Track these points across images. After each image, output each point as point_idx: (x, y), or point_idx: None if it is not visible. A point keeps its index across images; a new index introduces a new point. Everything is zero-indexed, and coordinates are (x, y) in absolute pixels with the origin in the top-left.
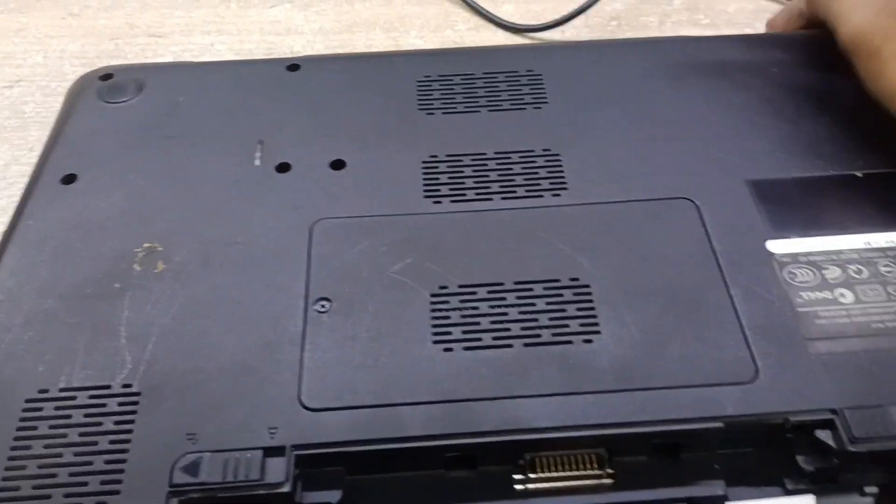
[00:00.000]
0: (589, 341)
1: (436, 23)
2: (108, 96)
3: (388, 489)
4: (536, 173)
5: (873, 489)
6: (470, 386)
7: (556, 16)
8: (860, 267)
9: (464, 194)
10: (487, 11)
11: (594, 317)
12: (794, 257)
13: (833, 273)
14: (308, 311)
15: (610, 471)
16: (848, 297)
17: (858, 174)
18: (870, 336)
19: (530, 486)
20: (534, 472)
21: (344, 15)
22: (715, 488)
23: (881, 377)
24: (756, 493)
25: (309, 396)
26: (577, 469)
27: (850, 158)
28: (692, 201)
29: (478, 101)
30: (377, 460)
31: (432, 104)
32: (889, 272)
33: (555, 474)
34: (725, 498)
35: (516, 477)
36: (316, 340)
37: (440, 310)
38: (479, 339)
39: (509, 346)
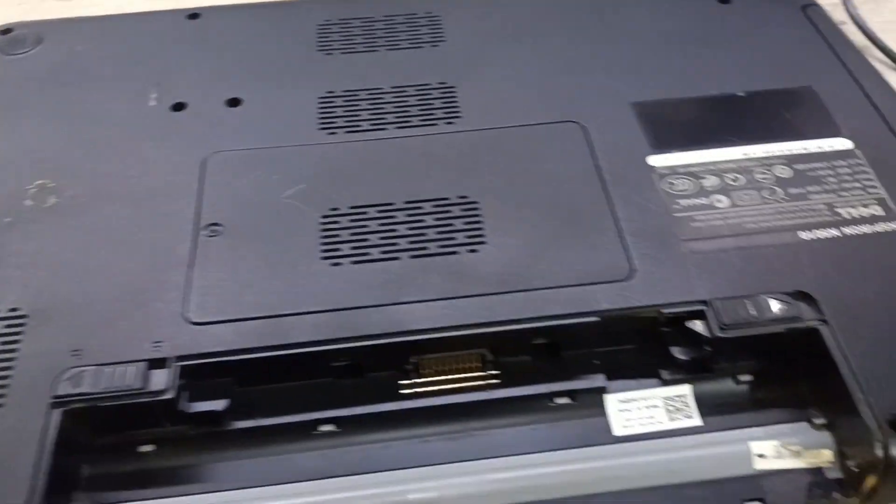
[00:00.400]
0: (474, 251)
1: None
2: (8, 49)
3: (278, 398)
4: (431, 104)
5: (747, 377)
6: (356, 296)
7: None
8: (737, 175)
9: (359, 125)
10: None
11: (480, 229)
12: (674, 169)
13: (711, 181)
14: (198, 236)
15: (495, 371)
16: (724, 201)
17: (741, 93)
18: (742, 235)
19: (418, 389)
20: (420, 376)
21: None
22: (594, 381)
23: (751, 270)
24: (634, 384)
25: (195, 312)
26: (462, 372)
27: (734, 80)
28: (579, 124)
29: (376, 42)
30: (263, 369)
31: (332, 45)
32: (764, 178)
33: (440, 378)
34: (604, 389)
35: (403, 382)
36: (205, 262)
37: (330, 229)
38: (367, 254)
39: (396, 258)
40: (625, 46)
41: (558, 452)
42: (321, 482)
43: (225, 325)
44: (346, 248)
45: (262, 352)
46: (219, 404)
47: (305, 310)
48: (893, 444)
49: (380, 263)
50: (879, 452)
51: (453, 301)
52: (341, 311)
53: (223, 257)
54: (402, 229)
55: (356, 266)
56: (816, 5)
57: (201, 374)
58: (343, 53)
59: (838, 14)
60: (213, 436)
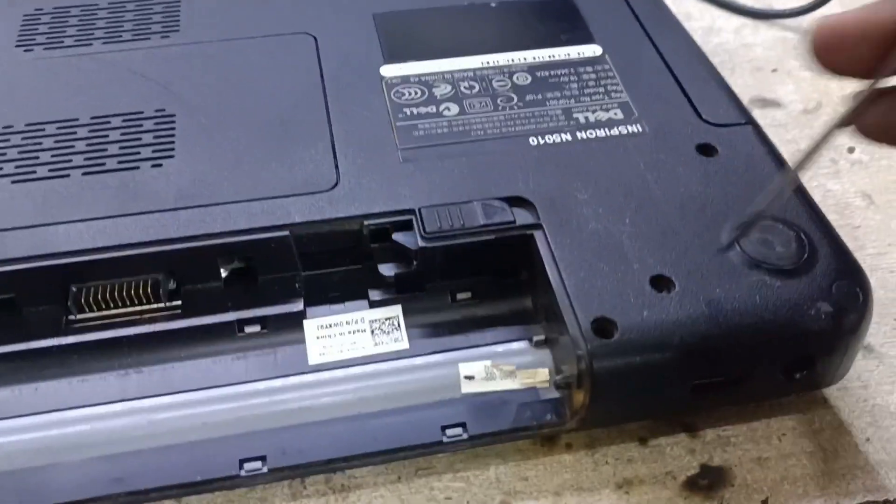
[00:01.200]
0: (158, 165)
1: None
2: None
3: None
4: (149, 18)
5: (465, 294)
6: (8, 216)
7: None
8: (473, 84)
9: (62, 42)
10: None
11: (171, 144)
12: (406, 78)
13: (443, 90)
14: None
15: (175, 302)
16: (453, 109)
17: (492, 4)
18: (466, 142)
19: (82, 325)
20: (83, 311)
21: None
22: (293, 305)
23: (469, 178)
24: (339, 309)
25: None
26: (137, 304)
27: None
28: (312, 35)
29: None
30: None
31: None
32: (501, 86)
33: (110, 313)
34: (303, 315)
35: (67, 318)
36: None
37: None
38: (32, 172)
39: (66, 176)
40: None
41: (230, 387)
42: None
43: None
44: (9, 168)
45: None
46: None
47: None
48: (596, 353)
49: (45, 182)
50: (583, 365)
51: (122, 219)
52: None
53: None
54: (80, 146)
55: (14, 185)
56: None
57: None
58: None
59: None
60: None
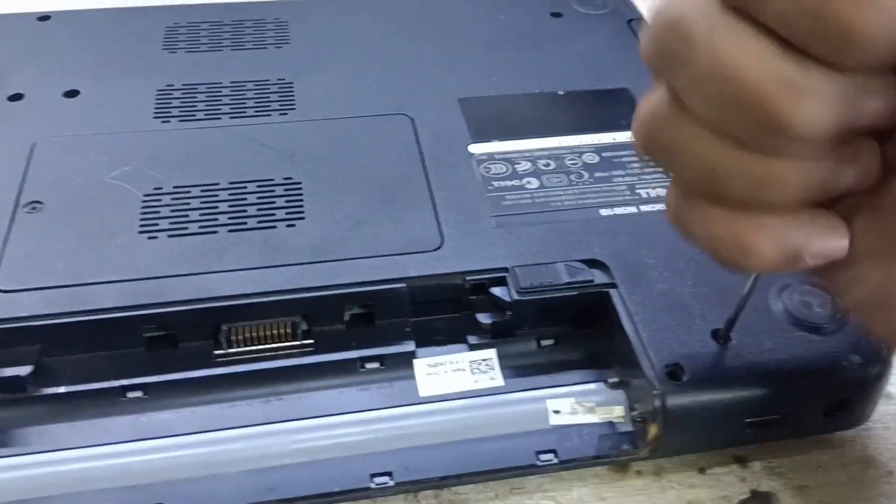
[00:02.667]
0: (292, 226)
1: None
2: None
3: (87, 367)
4: (268, 97)
5: (549, 341)
6: (168, 266)
7: None
8: (549, 161)
9: (194, 115)
10: None
11: (301, 208)
12: (491, 156)
13: (524, 166)
14: (17, 212)
15: (308, 341)
16: (534, 183)
17: (560, 92)
18: (547, 212)
19: (230, 358)
20: (231, 346)
21: None
22: (404, 347)
23: (552, 242)
24: (443, 350)
25: (4, 280)
26: (276, 341)
27: (556, 81)
28: (408, 116)
29: (222, 43)
30: (69, 335)
31: (177, 45)
32: (573, 164)
33: (253, 348)
34: (413, 354)
35: (217, 352)
36: (20, 236)
37: (151, 207)
38: (185, 229)
39: (214, 232)
40: (457, 49)
41: (355, 414)
42: (129, 445)
43: (31, 293)
44: (164, 224)
45: (68, 317)
46: (23, 370)
47: (115, 279)
48: (668, 393)
49: (197, 237)
50: (658, 402)
51: (266, 270)
52: (151, 280)
53: (40, 231)
54: (223, 207)
55: (172, 239)
56: (641, 19)
57: (5, 340)
58: (188, 52)
59: None
60: (18, 402)
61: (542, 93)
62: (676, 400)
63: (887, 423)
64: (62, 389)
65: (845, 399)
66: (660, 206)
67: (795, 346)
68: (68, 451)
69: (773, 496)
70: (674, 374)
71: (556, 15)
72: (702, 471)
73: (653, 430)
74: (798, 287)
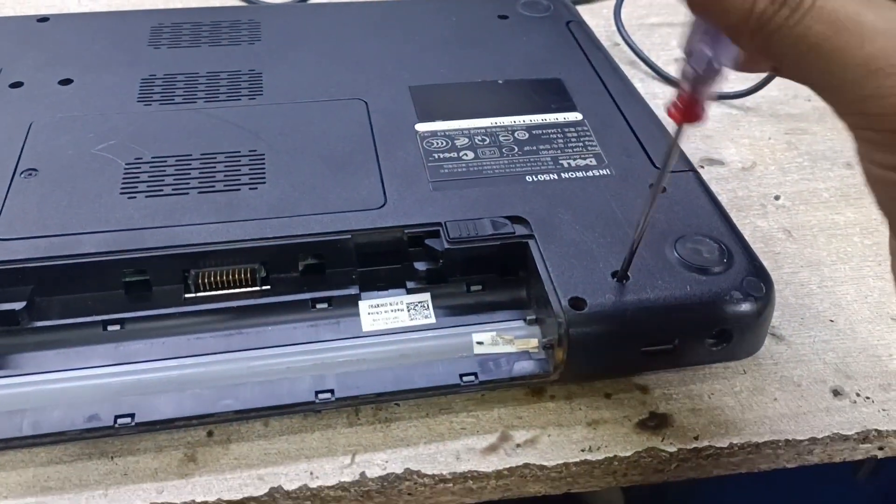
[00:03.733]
0: (254, 188)
1: (197, 4)
2: None
3: (74, 306)
4: (239, 85)
5: (478, 287)
6: (144, 220)
7: None
8: (484, 137)
9: (172, 100)
10: None
11: (263, 175)
12: (434, 133)
13: (462, 141)
14: (14, 178)
15: (266, 287)
16: (469, 155)
17: (499, 81)
18: (479, 178)
19: (198, 298)
20: (199, 290)
21: (114, 0)
22: (350, 290)
23: (482, 203)
24: (385, 294)
25: (2, 231)
26: (238, 286)
27: (497, 72)
28: (363, 101)
29: (201, 39)
30: (57, 275)
31: (160, 42)
32: (505, 139)
33: (218, 293)
34: (359, 297)
35: (187, 295)
36: (17, 196)
37: (131, 173)
38: (160, 191)
39: (186, 193)
40: (411, 46)
41: (306, 345)
42: (107, 368)
43: (25, 241)
44: (142, 187)
45: (55, 260)
46: (17, 305)
47: (98, 230)
48: (571, 321)
49: (171, 197)
50: (562, 330)
51: (230, 224)
52: (129, 231)
53: (34, 193)
54: (195, 174)
55: (149, 199)
56: (578, 21)
57: (2, 280)
58: (170, 48)
59: (616, 38)
60: (12, 333)
61: (483, 81)
62: (578, 327)
63: (776, 359)
64: (51, 322)
65: (728, 330)
66: (579, 174)
67: (684, 284)
68: (55, 372)
69: (668, 416)
70: (576, 305)
71: (503, 17)
72: (608, 396)
73: (559, 355)
74: (691, 237)
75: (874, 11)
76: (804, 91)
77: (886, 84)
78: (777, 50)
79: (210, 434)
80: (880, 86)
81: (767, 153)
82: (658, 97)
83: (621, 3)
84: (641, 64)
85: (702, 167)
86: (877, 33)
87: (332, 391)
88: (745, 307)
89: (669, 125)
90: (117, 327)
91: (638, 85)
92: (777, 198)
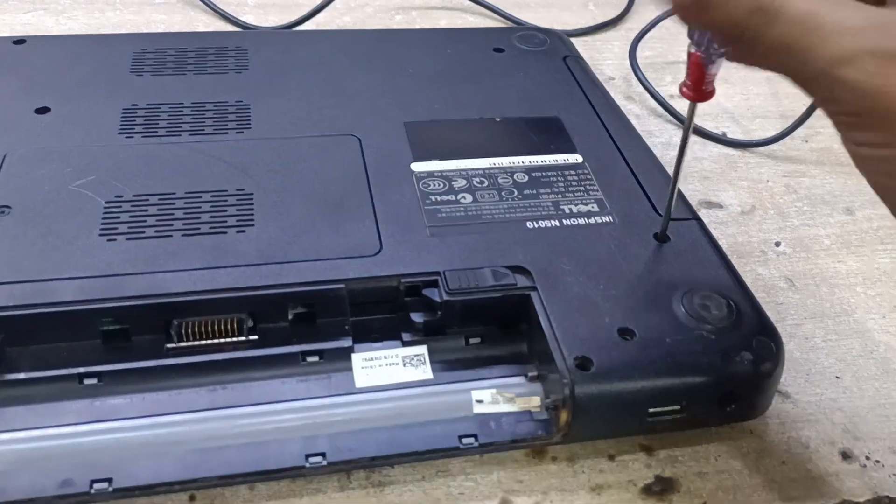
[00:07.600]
0: (242, 231)
1: (180, 28)
2: None
3: (48, 357)
4: (226, 117)
5: (476, 339)
6: (124, 265)
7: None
8: (483, 179)
9: (156, 132)
10: (230, 15)
11: (251, 216)
12: (431, 173)
13: (460, 183)
14: None
15: (254, 337)
16: (468, 198)
17: (497, 119)
18: (478, 223)
19: (182, 347)
20: (182, 340)
21: (94, 20)
22: (344, 342)
23: (481, 250)
24: (379, 346)
25: None
26: (224, 336)
27: (494, 109)
28: (356, 137)
29: (186, 68)
30: (30, 324)
31: (143, 69)
32: (504, 182)
33: (202, 343)
34: (352, 350)
35: (169, 346)
36: None
37: (111, 213)
38: (142, 232)
39: (169, 236)
40: (406, 80)
41: (296, 402)
42: (83, 426)
43: None
44: (123, 228)
45: (29, 309)
46: None
47: (75, 275)
48: (577, 382)
49: (153, 240)
50: (567, 391)
51: (216, 270)
52: (108, 277)
53: (7, 233)
54: (178, 214)
55: (130, 242)
56: (575, 56)
57: None
58: (153, 76)
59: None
60: None
61: (480, 119)
62: (584, 388)
63: (783, 419)
64: (22, 375)
65: (737, 392)
66: (581, 221)
67: (693, 343)
68: (25, 431)
69: (674, 481)
70: (582, 365)
71: (499, 50)
72: (611, 458)
73: (564, 416)
74: (698, 292)
75: (836, 12)
76: (800, 132)
77: (849, 73)
78: (758, 51)
79: (192, 499)
80: (843, 75)
81: (766, 196)
82: (654, 135)
83: (639, 39)
84: (636, 98)
85: (700, 210)
86: (838, 32)
87: (323, 454)
88: (756, 369)
89: (669, 165)
90: (94, 380)
91: (634, 121)
92: (778, 244)
